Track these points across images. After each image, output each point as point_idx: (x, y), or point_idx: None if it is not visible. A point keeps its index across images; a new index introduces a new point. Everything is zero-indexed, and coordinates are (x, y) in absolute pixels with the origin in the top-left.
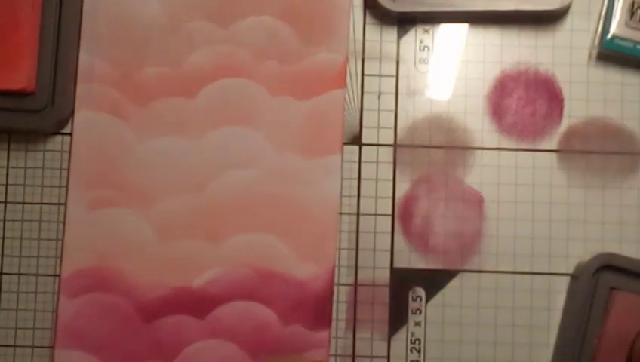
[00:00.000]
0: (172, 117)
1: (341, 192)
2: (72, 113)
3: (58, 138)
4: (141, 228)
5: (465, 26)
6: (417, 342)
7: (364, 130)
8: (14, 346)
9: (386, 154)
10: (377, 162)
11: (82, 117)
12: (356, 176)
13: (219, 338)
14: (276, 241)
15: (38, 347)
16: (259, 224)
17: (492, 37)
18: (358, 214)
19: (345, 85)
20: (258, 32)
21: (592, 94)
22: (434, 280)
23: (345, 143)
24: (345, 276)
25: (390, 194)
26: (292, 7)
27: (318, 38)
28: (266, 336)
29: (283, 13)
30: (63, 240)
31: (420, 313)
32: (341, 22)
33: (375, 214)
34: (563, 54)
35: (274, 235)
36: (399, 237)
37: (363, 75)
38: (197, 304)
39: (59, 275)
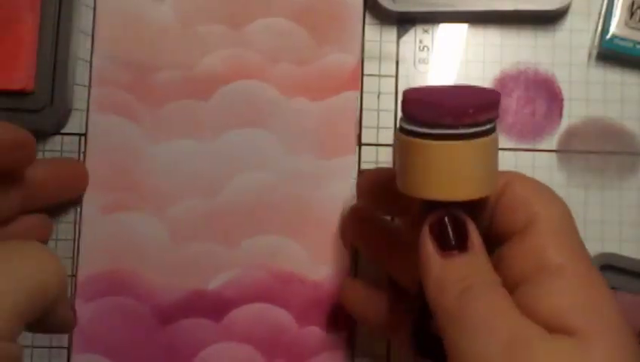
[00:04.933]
0: (185, 119)
1: None
2: (69, 113)
3: (57, 138)
4: (156, 231)
5: (464, 26)
6: None
7: (363, 130)
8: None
9: (386, 154)
10: (377, 162)
11: (96, 120)
12: (356, 176)
13: (234, 341)
14: (291, 243)
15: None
16: (273, 226)
17: (492, 37)
18: None
19: (359, 87)
20: (271, 34)
21: (591, 94)
22: None
23: None
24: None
25: None
26: (304, 8)
27: (330, 39)
28: (282, 338)
29: (295, 14)
30: (78, 244)
31: None
32: (353, 23)
33: None
34: (563, 54)
35: (289, 237)
36: None
37: (362, 74)
38: (212, 307)
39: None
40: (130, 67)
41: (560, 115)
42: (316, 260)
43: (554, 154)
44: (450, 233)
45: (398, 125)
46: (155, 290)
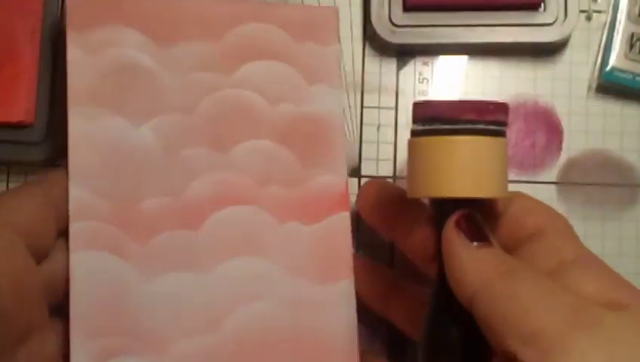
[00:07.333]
0: (177, 251)
1: None
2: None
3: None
4: None
5: (464, 58)
6: None
7: (363, 163)
8: None
9: None
10: None
11: (79, 259)
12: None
13: None
14: None
15: None
16: (278, 359)
17: (491, 69)
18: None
19: (349, 208)
20: (258, 157)
21: (591, 126)
22: None
23: None
24: None
25: None
26: (289, 130)
27: (317, 160)
28: None
29: (281, 136)
30: None
31: None
32: (338, 144)
33: None
34: (562, 86)
35: None
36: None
37: (362, 107)
38: None
39: None
40: (112, 198)
41: (560, 147)
42: None
43: (553, 186)
44: (477, 227)
45: (412, 130)
46: None
